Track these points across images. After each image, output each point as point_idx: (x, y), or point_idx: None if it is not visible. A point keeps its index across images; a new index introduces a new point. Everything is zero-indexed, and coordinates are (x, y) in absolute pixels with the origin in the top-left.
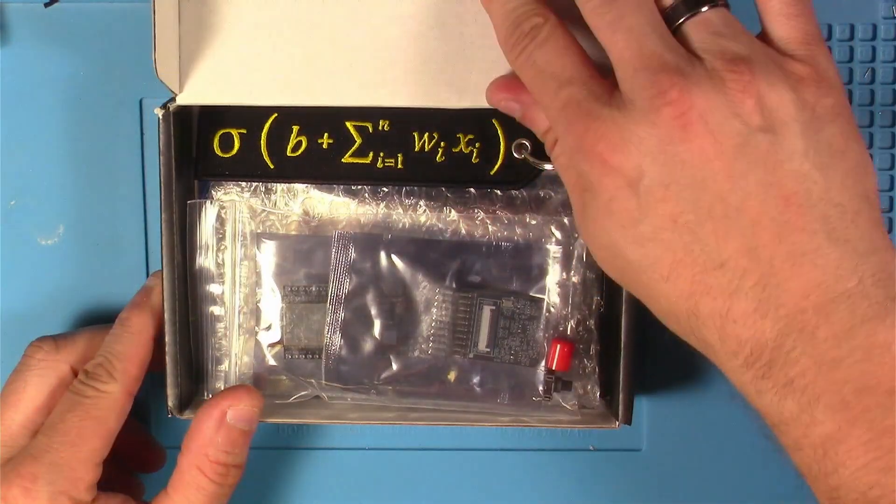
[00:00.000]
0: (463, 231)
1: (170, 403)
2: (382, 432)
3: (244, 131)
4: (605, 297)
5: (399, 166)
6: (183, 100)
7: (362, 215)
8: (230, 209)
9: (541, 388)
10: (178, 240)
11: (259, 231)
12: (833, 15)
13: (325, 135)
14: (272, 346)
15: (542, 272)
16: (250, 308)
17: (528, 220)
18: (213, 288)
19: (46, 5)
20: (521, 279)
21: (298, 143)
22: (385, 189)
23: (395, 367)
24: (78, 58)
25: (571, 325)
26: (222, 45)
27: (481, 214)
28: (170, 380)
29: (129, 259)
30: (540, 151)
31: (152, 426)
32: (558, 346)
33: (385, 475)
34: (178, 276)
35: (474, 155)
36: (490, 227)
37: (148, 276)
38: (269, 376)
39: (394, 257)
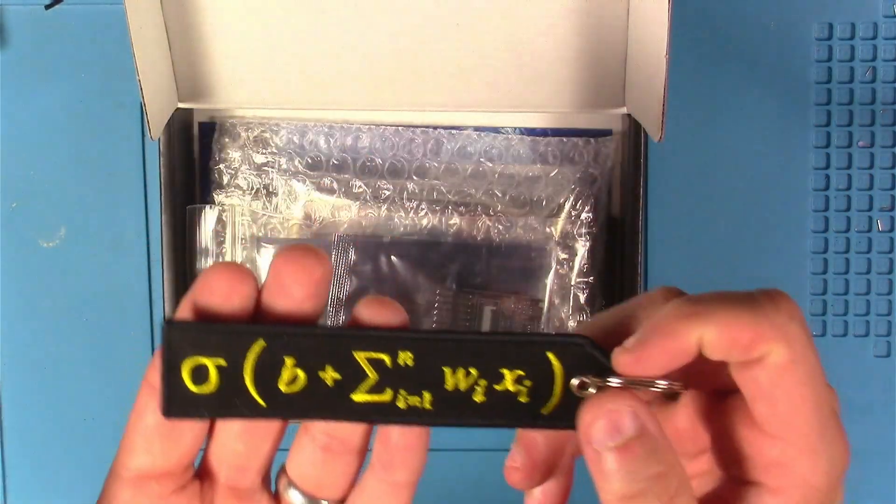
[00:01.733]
0: (464, 233)
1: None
2: None
3: (222, 362)
4: (606, 298)
5: (426, 406)
6: (184, 104)
7: (364, 218)
8: (230, 213)
9: None
10: (179, 243)
11: (260, 235)
12: (833, 14)
13: (329, 368)
14: None
15: (543, 273)
16: None
17: (528, 221)
18: None
19: (47, 7)
20: (522, 280)
21: (294, 378)
22: (387, 192)
23: None
24: (79, 60)
25: (572, 326)
26: (222, 49)
27: (482, 216)
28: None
29: (130, 261)
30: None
31: None
32: None
33: None
34: (179, 279)
35: (522, 394)
36: (491, 228)
37: (149, 278)
38: None
39: (394, 259)
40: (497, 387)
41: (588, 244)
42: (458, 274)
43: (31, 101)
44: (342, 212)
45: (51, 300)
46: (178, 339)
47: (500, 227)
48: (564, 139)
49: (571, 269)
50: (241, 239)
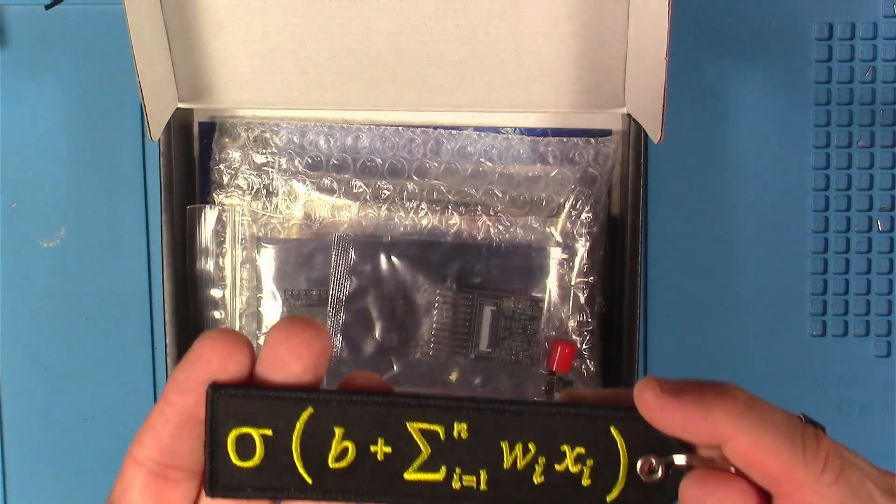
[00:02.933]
0: (464, 233)
1: None
2: None
3: (268, 432)
4: (606, 298)
5: (482, 487)
6: (184, 104)
7: (363, 218)
8: (230, 213)
9: (542, 388)
10: (179, 243)
11: (260, 235)
12: (833, 14)
13: (381, 441)
14: None
15: (543, 273)
16: (251, 312)
17: (528, 221)
18: (214, 292)
19: (47, 7)
20: (522, 280)
21: (344, 451)
22: (387, 192)
23: (396, 368)
24: (79, 60)
25: (572, 326)
26: (222, 49)
27: (482, 216)
28: None
29: (130, 261)
30: (676, 473)
31: None
32: (559, 348)
33: None
34: (179, 279)
35: (585, 475)
36: (491, 228)
37: (149, 278)
38: None
39: (394, 259)
40: (558, 467)
41: (588, 244)
42: (458, 274)
43: (30, 100)
44: (342, 212)
45: (51, 300)
46: (223, 407)
47: (500, 227)
48: (564, 139)
49: (571, 269)
50: (241, 239)
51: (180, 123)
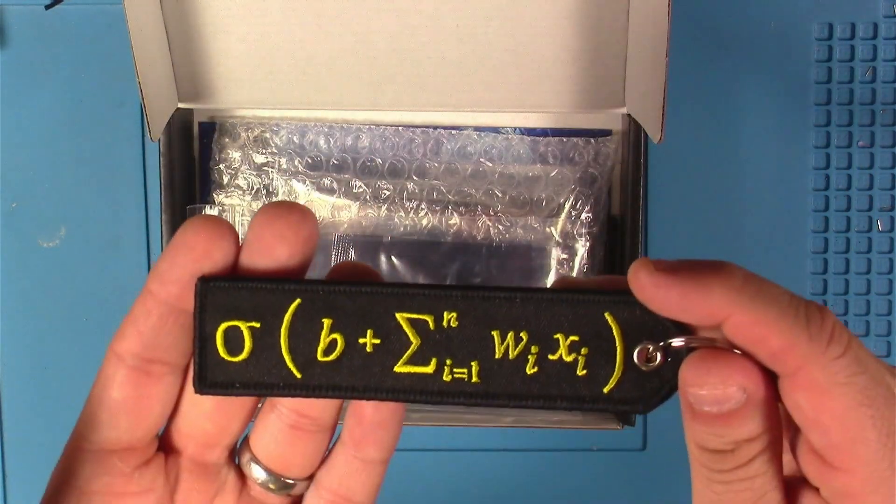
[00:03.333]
0: (464, 233)
1: None
2: None
3: (256, 324)
4: None
5: (473, 379)
6: (184, 104)
7: (363, 218)
8: (230, 213)
9: None
10: None
11: None
12: (833, 14)
13: (370, 332)
14: None
15: (543, 273)
16: None
17: (528, 221)
18: None
19: (47, 7)
20: (522, 280)
21: (332, 344)
22: (387, 192)
23: None
24: (78, 60)
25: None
26: (222, 49)
27: (482, 216)
28: None
29: (130, 261)
30: (674, 359)
31: None
32: None
33: (387, 476)
34: None
35: (580, 365)
36: (491, 228)
37: None
38: None
39: (394, 259)
40: (551, 356)
41: (588, 244)
42: (458, 274)
43: (31, 100)
44: (342, 212)
45: (51, 300)
46: (212, 300)
47: (500, 227)
48: (564, 139)
49: (571, 269)
50: (242, 239)
51: (180, 123)
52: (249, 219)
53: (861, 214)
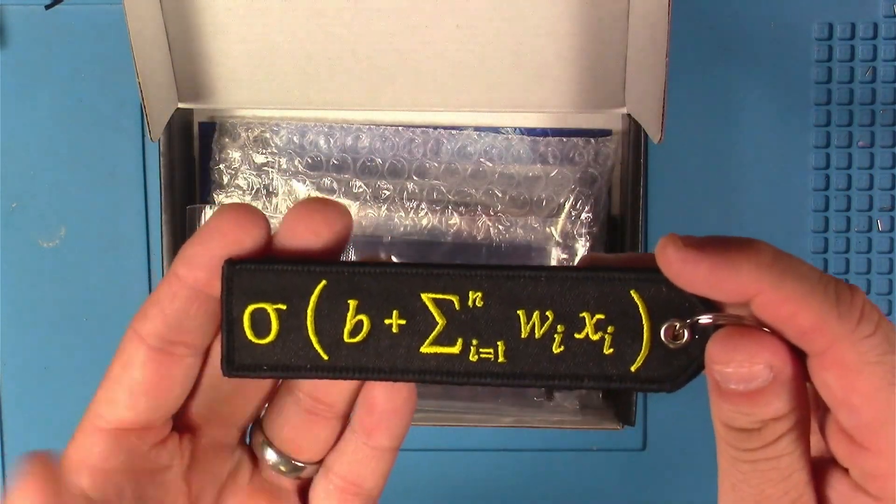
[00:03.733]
0: (464, 233)
1: None
2: None
3: (283, 306)
4: None
5: (500, 359)
6: (184, 104)
7: (363, 218)
8: None
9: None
10: (179, 243)
11: None
12: (834, 14)
13: (395, 313)
14: None
15: None
16: None
17: (528, 221)
18: None
19: (47, 7)
20: None
21: (359, 325)
22: (387, 192)
23: None
24: (78, 60)
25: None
26: (222, 49)
27: (482, 216)
28: None
29: (130, 261)
30: (702, 337)
31: None
32: None
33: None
34: None
35: (606, 343)
36: (491, 228)
37: (149, 278)
38: None
39: (394, 259)
40: (577, 335)
41: (588, 244)
42: None
43: (30, 100)
44: None
45: (51, 300)
46: (238, 283)
47: (500, 227)
48: (564, 139)
49: None
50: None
51: (180, 123)
52: None
53: (861, 214)
